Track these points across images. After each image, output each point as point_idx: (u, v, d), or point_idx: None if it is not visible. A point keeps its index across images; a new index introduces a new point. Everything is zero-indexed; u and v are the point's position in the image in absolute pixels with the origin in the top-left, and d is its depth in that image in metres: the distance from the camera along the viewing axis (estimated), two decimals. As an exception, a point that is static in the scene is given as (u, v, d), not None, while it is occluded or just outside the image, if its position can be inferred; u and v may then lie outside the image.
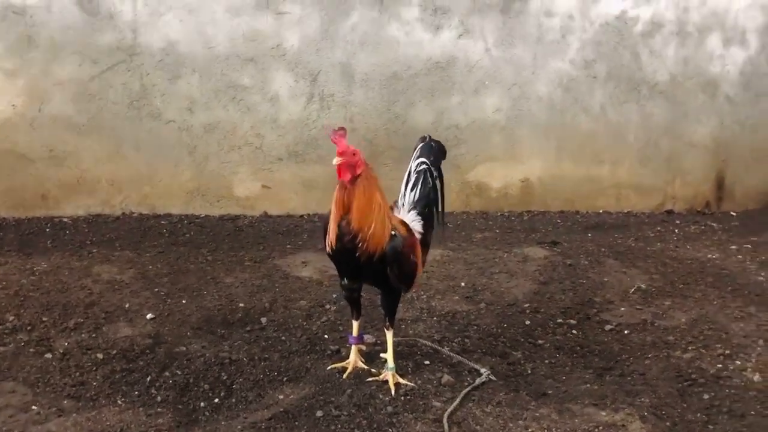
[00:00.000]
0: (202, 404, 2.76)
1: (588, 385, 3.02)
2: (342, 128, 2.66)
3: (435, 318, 3.63)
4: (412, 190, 3.04)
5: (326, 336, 3.36)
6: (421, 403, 2.77)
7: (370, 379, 2.90)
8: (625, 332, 3.54)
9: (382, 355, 3.03)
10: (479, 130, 5.51)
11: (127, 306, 3.56)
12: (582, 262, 4.53)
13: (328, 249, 2.73)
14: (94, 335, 3.25)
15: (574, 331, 3.56)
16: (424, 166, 3.06)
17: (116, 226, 4.80)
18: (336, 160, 2.61)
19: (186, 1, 4.84)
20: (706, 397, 2.93)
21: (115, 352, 3.09)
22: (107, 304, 3.57)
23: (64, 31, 4.71)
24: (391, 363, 2.91)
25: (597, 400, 2.87)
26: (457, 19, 5.33)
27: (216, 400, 2.80)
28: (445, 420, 2.62)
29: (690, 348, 3.38)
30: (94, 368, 2.95)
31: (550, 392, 2.94)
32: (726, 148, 6.16)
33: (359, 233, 2.60)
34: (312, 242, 4.71)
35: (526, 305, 3.83)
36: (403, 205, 3.03)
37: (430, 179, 3.06)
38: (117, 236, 4.60)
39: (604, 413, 2.76)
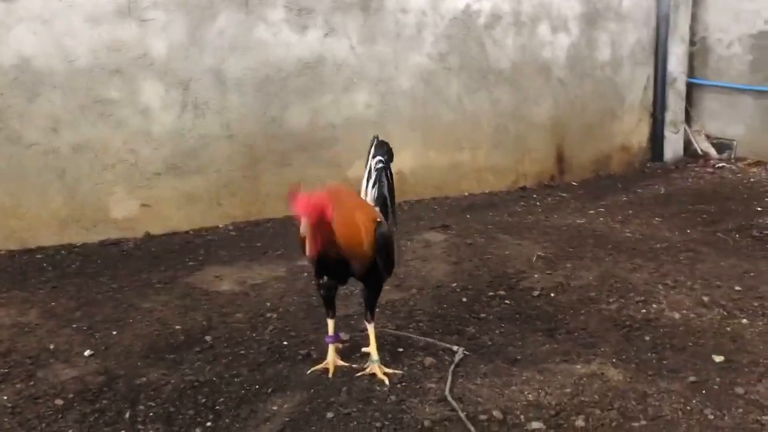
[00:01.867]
0: (197, 430, 2.59)
1: (547, 346, 3.25)
2: (295, 185, 2.45)
3: (377, 309, 3.67)
4: (373, 186, 3.07)
5: (285, 342, 3.28)
6: (417, 387, 2.82)
7: (358, 374, 2.89)
8: (552, 295, 3.84)
9: (364, 349, 3.02)
10: (353, 127, 5.60)
11: (52, 347, 3.20)
12: (478, 240, 4.80)
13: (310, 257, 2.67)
14: (32, 383, 2.89)
15: (507, 301, 3.79)
16: (381, 164, 3.10)
17: (-15, 267, 4.26)
18: (303, 228, 2.44)
19: (38, 11, 4.40)
20: (647, 338, 3.28)
21: (71, 395, 2.78)
22: (26, 349, 3.18)
23: None
24: (375, 355, 2.93)
25: (564, 357, 3.10)
26: (321, 19, 5.37)
27: (209, 424, 2.63)
28: (449, 397, 2.70)
29: (611, 300, 3.75)
30: (59, 416, 2.63)
31: (519, 357, 3.13)
32: (561, 126, 6.81)
33: (348, 252, 2.60)
34: (213, 257, 4.52)
35: (454, 284, 4.00)
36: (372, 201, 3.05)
37: (385, 178, 3.10)
38: (-7, 277, 4.09)
39: (579, 366, 3.00)
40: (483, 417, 2.59)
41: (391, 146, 3.31)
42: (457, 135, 6.19)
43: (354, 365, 2.98)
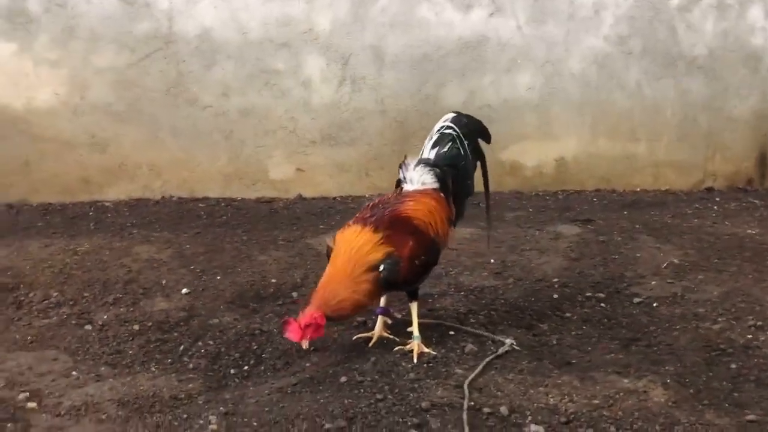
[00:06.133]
0: (232, 371, 2.87)
1: (613, 355, 3.02)
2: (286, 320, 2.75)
3: (462, 293, 3.67)
4: (432, 148, 3.15)
5: (353, 308, 3.43)
6: (443, 370, 2.82)
7: (396, 348, 2.96)
8: (654, 305, 3.52)
9: (409, 329, 3.07)
10: (512, 108, 5.50)
11: (164, 282, 3.69)
12: (615, 239, 4.50)
13: None
14: (131, 309, 3.38)
15: (602, 305, 3.55)
16: (450, 130, 3.12)
17: (156, 210, 4.96)
18: (305, 344, 2.74)
19: (219, -13, 4.96)
20: (733, 366, 2.90)
21: (150, 324, 3.22)
22: (145, 281, 3.71)
23: (102, 21, 4.87)
24: (416, 332, 2.97)
25: (620, 369, 2.87)
26: (487, -1, 5.33)
27: (246, 368, 2.90)
28: (465, 386, 2.66)
29: (720, 320, 3.34)
30: (131, 339, 3.08)
31: (574, 362, 2.96)
32: (769, 124, 6.01)
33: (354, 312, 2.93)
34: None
35: (555, 280, 3.83)
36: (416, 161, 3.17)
37: (459, 145, 3.16)
38: (156, 218, 4.75)
39: (626, 380, 2.76)
40: (487, 410, 2.52)
41: (481, 124, 3.34)
42: (632, 124, 5.77)
43: (398, 339, 3.04)
